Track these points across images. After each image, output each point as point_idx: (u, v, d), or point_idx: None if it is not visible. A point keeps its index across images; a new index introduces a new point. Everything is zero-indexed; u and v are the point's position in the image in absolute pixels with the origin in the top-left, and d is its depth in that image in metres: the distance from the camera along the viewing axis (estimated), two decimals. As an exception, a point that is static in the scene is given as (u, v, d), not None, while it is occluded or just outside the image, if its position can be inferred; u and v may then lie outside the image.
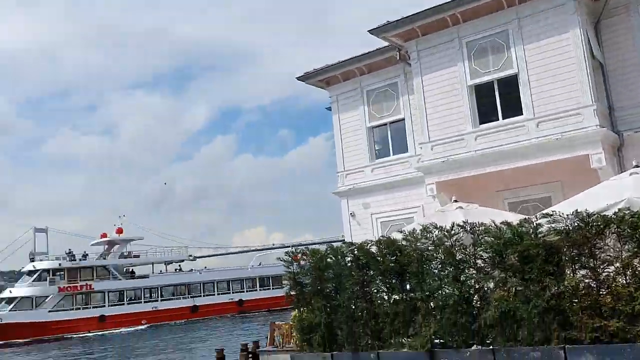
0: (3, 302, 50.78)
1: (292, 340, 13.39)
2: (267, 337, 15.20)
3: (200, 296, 58.93)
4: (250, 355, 19.96)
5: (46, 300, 50.67)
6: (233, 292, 60.95)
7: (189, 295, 58.51)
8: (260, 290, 62.30)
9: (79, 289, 52.67)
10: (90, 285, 53.23)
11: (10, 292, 52.05)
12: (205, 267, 70.46)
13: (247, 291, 61.84)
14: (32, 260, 53.73)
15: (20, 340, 46.33)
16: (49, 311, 50.56)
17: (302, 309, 12.11)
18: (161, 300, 56.71)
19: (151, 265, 62.05)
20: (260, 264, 67.85)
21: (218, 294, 59.99)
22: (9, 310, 49.55)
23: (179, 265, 64.33)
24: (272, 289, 61.80)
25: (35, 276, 51.92)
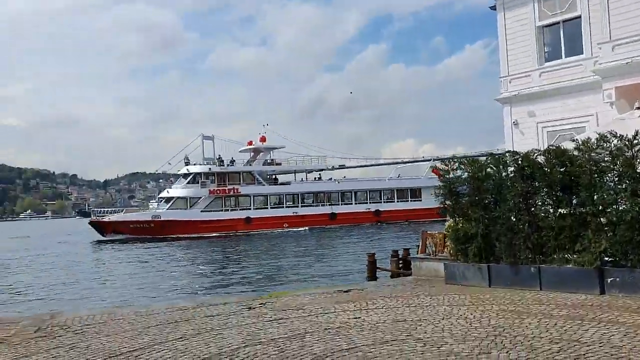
0: (162, 202, 57.26)
1: (445, 250, 13.13)
2: (419, 245, 15.04)
3: (338, 204, 60.97)
4: (400, 261, 20.09)
5: (198, 201, 55.90)
6: (370, 202, 62.08)
7: (328, 203, 60.69)
8: (397, 202, 62.93)
9: (227, 192, 57.19)
10: (237, 189, 57.49)
11: (168, 192, 58.28)
12: (345, 177, 71.14)
13: (384, 202, 62.74)
14: (187, 164, 58.58)
15: (174, 236, 51.88)
16: (201, 211, 55.81)
17: (457, 219, 11.68)
18: (301, 207, 59.85)
19: (293, 174, 65.26)
20: (398, 176, 68.07)
21: (356, 204, 61.61)
22: (167, 209, 55.72)
23: (319, 174, 66.47)
24: (410, 200, 62.66)
25: (189, 179, 57.21)
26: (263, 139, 62.56)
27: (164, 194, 59.19)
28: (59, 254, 40.31)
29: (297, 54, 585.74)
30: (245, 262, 31.01)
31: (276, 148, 63.91)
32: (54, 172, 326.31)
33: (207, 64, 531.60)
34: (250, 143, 62.49)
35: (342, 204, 61.26)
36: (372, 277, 19.99)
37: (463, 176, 11.81)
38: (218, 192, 56.93)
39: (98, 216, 57.66)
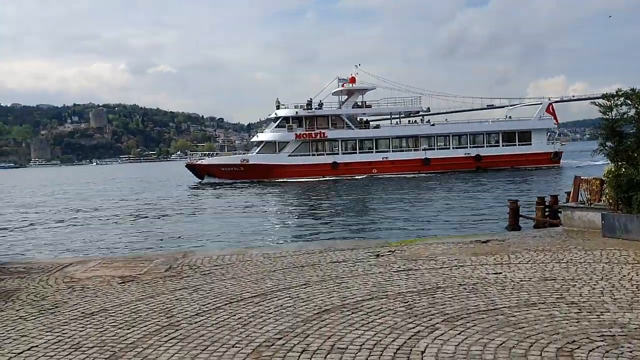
0: (254, 146, 57.76)
1: (602, 198, 11.48)
2: (570, 192, 13.40)
3: (433, 149, 57.08)
4: (547, 210, 18.38)
5: (286, 145, 55.35)
6: (470, 147, 57.08)
7: (422, 148, 56.87)
8: (503, 146, 57.11)
9: (313, 136, 55.60)
10: (324, 134, 55.57)
11: (258, 136, 58.76)
12: (447, 120, 66.86)
13: (487, 146, 57.21)
14: (278, 107, 57.70)
15: (264, 180, 52.73)
16: (289, 155, 55.19)
17: (620, 163, 10.01)
18: (392, 152, 56.61)
19: (389, 117, 62.20)
20: (508, 118, 61.65)
21: (454, 148, 57.15)
22: (256, 153, 56.14)
23: (421, 118, 62.26)
24: (519, 144, 56.92)
25: (277, 123, 56.67)
26: (353, 80, 59.19)
27: (254, 138, 59.59)
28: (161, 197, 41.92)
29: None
30: (352, 208, 30.10)
31: (367, 89, 60.27)
32: (202, 116, 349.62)
33: (344, 5, 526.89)
34: (343, 85, 59.77)
35: (437, 149, 57.22)
36: (514, 226, 18.50)
37: (630, 113, 10.04)
38: (304, 136, 55.60)
39: (193, 160, 59.21)
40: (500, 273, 8.07)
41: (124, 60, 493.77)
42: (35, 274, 9.57)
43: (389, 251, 10.30)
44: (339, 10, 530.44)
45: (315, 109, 56.87)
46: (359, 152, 56.28)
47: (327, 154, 55.80)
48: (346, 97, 58.73)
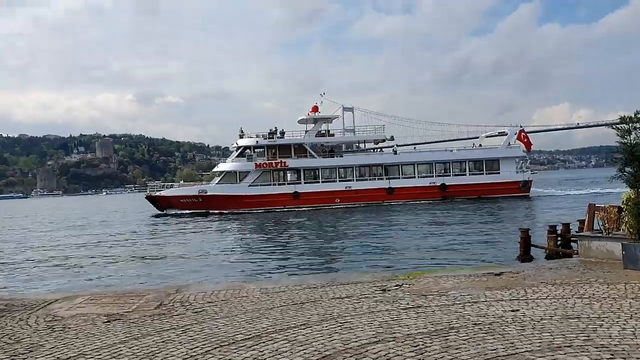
0: (215, 176, 55.81)
1: (622, 227, 10.79)
2: (585, 220, 12.74)
3: (397, 178, 54.82)
4: (559, 239, 17.62)
5: (247, 175, 53.46)
6: (436, 176, 54.82)
7: (385, 177, 54.70)
8: (470, 175, 55.04)
9: (274, 165, 53.54)
10: (285, 163, 53.73)
11: (218, 167, 56.72)
12: (415, 148, 65.35)
13: (453, 175, 55.11)
14: (241, 137, 55.98)
15: (217, 211, 50.70)
16: (249, 185, 53.31)
17: (640, 190, 9.37)
18: (356, 180, 54.56)
19: (363, 144, 60.04)
20: (478, 146, 59.55)
21: (419, 177, 54.99)
22: (216, 184, 54.27)
23: (394, 145, 60.51)
24: (486, 173, 54.78)
25: (238, 152, 55.05)
26: (315, 109, 57.10)
27: (215, 169, 57.69)
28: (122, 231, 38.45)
29: (442, 20, 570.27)
30: (336, 238, 27.81)
31: (331, 118, 58.22)
32: (208, 145, 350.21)
33: (350, 35, 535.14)
34: (309, 113, 57.65)
35: (402, 177, 54.82)
36: (526, 256, 17.72)
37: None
38: (265, 165, 53.66)
39: (151, 191, 57.53)
40: (518, 310, 7.38)
41: (131, 90, 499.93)
42: (17, 311, 8.95)
43: (397, 285, 9.64)
44: (345, 40, 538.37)
45: (278, 137, 55.38)
46: (322, 182, 54.39)
47: (288, 184, 53.98)
48: (312, 125, 57.12)
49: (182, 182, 64.79)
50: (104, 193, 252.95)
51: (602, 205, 12.32)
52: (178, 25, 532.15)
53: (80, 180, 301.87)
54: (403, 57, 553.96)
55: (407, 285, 9.55)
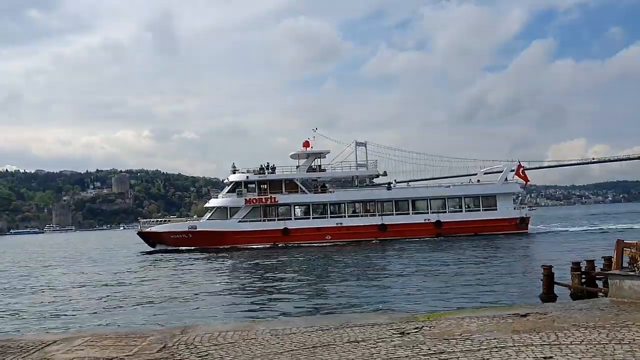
0: (207, 212, 54.96)
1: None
2: (612, 257, 12.04)
3: (391, 214, 53.23)
4: (583, 277, 16.91)
5: (237, 211, 52.55)
6: (431, 212, 53.15)
7: (378, 213, 53.24)
8: (466, 211, 53.20)
9: (264, 201, 52.64)
10: (274, 199, 52.75)
11: (210, 202, 55.76)
12: (408, 184, 64.09)
13: (449, 212, 53.37)
14: (233, 172, 55.48)
15: (209, 247, 49.61)
16: (239, 221, 52.30)
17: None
18: (348, 217, 53.07)
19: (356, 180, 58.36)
20: (476, 181, 57.86)
21: (414, 213, 53.21)
22: (207, 220, 53.49)
23: (393, 181, 59.97)
24: (483, 210, 53.07)
25: (229, 188, 54.30)
26: (307, 144, 56.40)
27: (207, 204, 56.76)
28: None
29: (456, 56, 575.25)
30: (341, 276, 26.74)
31: (322, 153, 57.00)
32: (223, 180, 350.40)
33: (364, 72, 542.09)
34: (301, 149, 57.02)
35: (396, 214, 53.20)
36: (549, 295, 16.91)
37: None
38: (255, 201, 52.72)
39: (143, 227, 56.18)
40: (551, 358, 6.70)
41: (148, 127, 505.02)
42: (11, 354, 8.39)
43: (416, 328, 8.94)
44: (359, 77, 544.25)
45: (269, 173, 54.64)
46: (313, 218, 53.08)
47: (278, 220, 52.79)
48: (304, 160, 56.30)
49: (185, 216, 62.94)
50: (121, 228, 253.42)
51: (633, 242, 11.65)
52: (195, 64, 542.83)
53: (95, 216, 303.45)
54: (417, 93, 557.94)
55: (428, 328, 8.89)
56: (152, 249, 52.11)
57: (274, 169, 55.49)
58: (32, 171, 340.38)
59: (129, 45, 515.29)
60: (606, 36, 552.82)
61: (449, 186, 56.81)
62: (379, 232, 51.49)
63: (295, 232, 51.60)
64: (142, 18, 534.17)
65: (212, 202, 54.70)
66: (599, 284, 18.80)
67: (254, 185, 53.65)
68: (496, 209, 52.91)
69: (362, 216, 53.47)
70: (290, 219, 52.73)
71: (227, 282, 25.70)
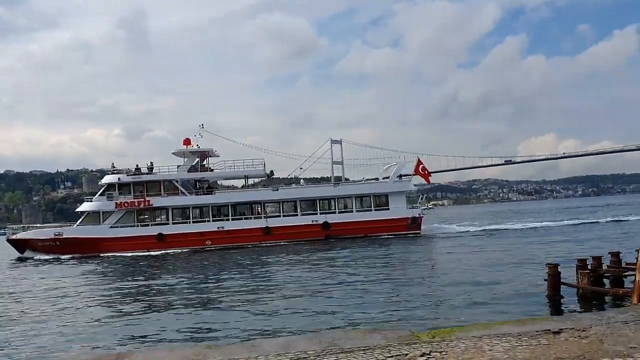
0: (79, 217, 51.14)
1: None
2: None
3: (279, 216, 50.27)
4: (591, 275, 15.33)
5: (110, 216, 49.10)
6: (320, 213, 49.90)
7: (263, 216, 49.81)
8: (356, 211, 50.06)
9: (136, 204, 48.85)
10: (148, 202, 48.98)
11: (81, 206, 51.78)
12: (302, 181, 60.94)
13: (339, 212, 50.05)
14: (110, 173, 52.02)
15: (79, 255, 46.37)
16: (110, 227, 48.79)
17: None
18: (232, 220, 49.48)
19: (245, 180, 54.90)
20: (384, 179, 53.49)
21: (301, 215, 49.95)
22: (77, 225, 49.76)
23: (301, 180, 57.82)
24: (375, 210, 50.05)
25: (101, 190, 50.69)
26: (187, 142, 52.50)
27: (78, 208, 52.50)
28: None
29: (429, 53, 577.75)
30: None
31: (206, 151, 52.80)
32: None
33: (338, 69, 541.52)
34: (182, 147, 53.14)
35: (283, 216, 50.01)
36: (555, 296, 14.95)
37: None
38: (126, 204, 48.68)
39: (14, 233, 52.11)
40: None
41: (119, 125, 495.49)
42: None
43: (423, 355, 6.67)
44: (335, 75, 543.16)
45: (146, 173, 50.50)
46: (193, 222, 49.16)
47: (152, 225, 49.04)
48: (186, 160, 52.52)
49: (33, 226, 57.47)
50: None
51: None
52: (168, 62, 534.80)
53: (66, 216, 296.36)
54: (393, 91, 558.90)
55: (439, 355, 6.61)
56: (21, 256, 48.46)
57: (151, 169, 51.40)
58: (1, 172, 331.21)
59: (99, 43, 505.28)
60: (576, 33, 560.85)
61: (338, 185, 53.72)
62: (264, 235, 48.13)
63: (171, 238, 47.78)
64: (114, 15, 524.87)
65: (84, 206, 50.54)
66: (607, 282, 17.23)
67: (129, 188, 49.49)
68: (388, 209, 49.89)
69: (245, 219, 49.80)
70: (168, 224, 49.00)
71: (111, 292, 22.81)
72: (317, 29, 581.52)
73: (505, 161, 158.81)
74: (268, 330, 13.37)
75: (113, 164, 52.80)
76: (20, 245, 49.38)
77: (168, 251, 45.86)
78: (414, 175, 51.96)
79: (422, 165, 52.10)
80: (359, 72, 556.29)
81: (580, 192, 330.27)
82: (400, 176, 51.50)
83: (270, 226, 48.31)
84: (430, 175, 54.96)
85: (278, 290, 20.27)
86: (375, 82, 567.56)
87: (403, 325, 12.73)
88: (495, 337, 7.44)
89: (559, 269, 15.05)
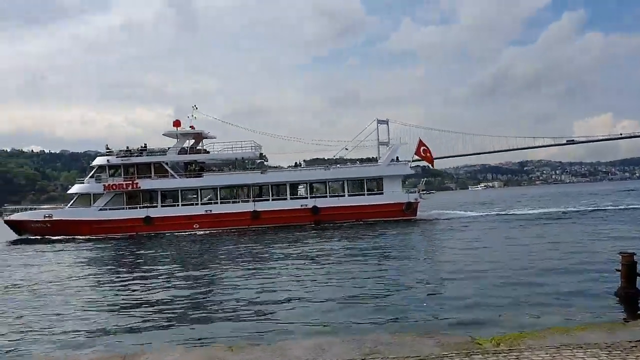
0: (71, 199, 50.77)
1: None
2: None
3: (267, 200, 48.36)
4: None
5: (99, 198, 48.74)
6: (310, 197, 48.16)
7: (251, 199, 48.27)
8: (348, 196, 47.84)
9: (124, 187, 48.39)
10: (136, 184, 48.30)
11: (72, 188, 51.55)
12: (298, 165, 57.30)
13: (330, 196, 48.10)
14: (102, 155, 51.25)
15: (70, 237, 46.13)
16: (99, 210, 48.45)
17: None
18: (220, 203, 48.46)
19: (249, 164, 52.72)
20: (392, 161, 49.56)
21: (291, 199, 48.16)
22: (68, 207, 49.55)
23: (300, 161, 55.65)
24: (367, 194, 47.70)
25: (92, 172, 50.12)
26: (177, 124, 50.84)
27: (70, 190, 52.21)
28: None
29: (481, 30, 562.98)
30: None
31: (198, 133, 51.45)
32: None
33: (387, 47, 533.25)
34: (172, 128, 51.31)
35: (272, 200, 48.24)
36: (630, 291, 13.14)
37: None
38: (113, 187, 48.25)
39: (9, 214, 52.30)
40: None
41: (169, 106, 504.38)
42: None
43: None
44: (382, 53, 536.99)
45: (136, 155, 49.69)
46: (182, 205, 48.34)
47: (140, 208, 48.31)
48: (176, 141, 51.10)
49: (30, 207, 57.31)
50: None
51: None
52: (214, 41, 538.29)
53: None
54: (440, 68, 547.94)
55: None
56: (19, 238, 49.06)
57: (143, 150, 50.56)
58: (57, 151, 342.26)
59: (149, 23, 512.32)
60: (636, 8, 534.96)
61: (330, 168, 50.74)
62: (252, 220, 46.81)
63: (159, 221, 47.25)
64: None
65: (75, 188, 50.60)
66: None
67: (119, 170, 49.11)
68: (382, 193, 47.45)
69: (233, 202, 48.71)
70: (157, 207, 48.39)
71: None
72: (366, 6, 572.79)
73: (567, 141, 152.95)
74: (291, 324, 11.50)
75: (107, 145, 51.75)
76: (17, 226, 50.15)
77: (155, 233, 45.42)
78: (414, 158, 48.84)
79: (423, 147, 48.68)
80: (407, 49, 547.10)
81: (638, 175, 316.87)
82: (397, 159, 49.02)
83: (258, 210, 47.10)
84: (433, 157, 51.04)
85: (292, 279, 17.86)
86: (423, 60, 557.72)
87: (452, 326, 10.52)
88: (578, 348, 5.98)
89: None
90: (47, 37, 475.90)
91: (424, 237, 32.08)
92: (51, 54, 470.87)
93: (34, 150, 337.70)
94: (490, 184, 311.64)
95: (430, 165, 52.24)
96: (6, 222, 51.25)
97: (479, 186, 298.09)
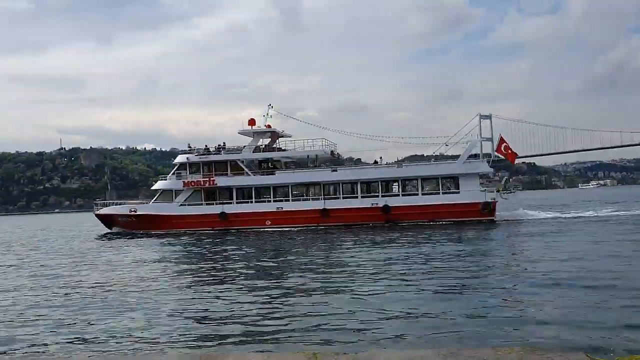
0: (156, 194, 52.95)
1: None
2: None
3: (338, 198, 47.47)
4: None
5: (180, 194, 50.28)
6: (382, 196, 46.28)
7: (321, 197, 47.69)
8: (422, 195, 45.80)
9: (202, 184, 49.57)
10: (213, 181, 49.39)
11: (156, 184, 53.18)
12: (382, 161, 53.49)
13: (402, 195, 46.26)
14: (183, 152, 52.47)
15: (152, 231, 48.28)
16: (179, 205, 49.94)
17: None
18: (292, 201, 48.37)
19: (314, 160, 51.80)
20: (468, 158, 47.09)
21: (362, 197, 46.94)
22: (152, 202, 51.57)
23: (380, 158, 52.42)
24: (443, 193, 45.54)
25: (174, 170, 51.62)
26: (252, 122, 51.31)
27: (154, 186, 53.94)
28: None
29: (595, 17, 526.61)
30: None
31: (273, 132, 51.71)
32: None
33: (491, 40, 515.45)
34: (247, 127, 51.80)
35: (343, 198, 47.30)
36: None
37: None
38: (193, 184, 49.76)
39: (98, 208, 55.22)
40: None
41: (272, 105, 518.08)
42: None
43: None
44: (485, 46, 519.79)
45: (214, 153, 50.92)
46: (255, 202, 49.15)
47: (216, 204, 49.46)
48: (251, 140, 51.52)
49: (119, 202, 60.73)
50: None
51: None
52: (315, 40, 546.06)
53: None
54: (548, 61, 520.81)
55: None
56: (108, 231, 52.11)
57: (221, 148, 52.04)
58: (168, 149, 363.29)
59: (255, 23, 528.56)
60: None
61: (402, 166, 49.26)
62: (321, 217, 46.72)
63: (233, 217, 48.55)
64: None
65: (158, 185, 52.92)
66: None
67: (198, 167, 50.93)
68: (458, 192, 45.32)
69: (303, 200, 48.95)
70: (232, 203, 49.62)
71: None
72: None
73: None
74: (379, 334, 10.64)
75: (189, 144, 54.02)
76: (106, 220, 53.42)
77: (233, 229, 47.02)
78: (496, 155, 47.60)
79: (504, 144, 46.55)
80: (513, 41, 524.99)
81: None
82: (475, 155, 47.56)
83: (327, 208, 47.04)
84: (516, 155, 49.04)
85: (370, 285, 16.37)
86: (530, 52, 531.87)
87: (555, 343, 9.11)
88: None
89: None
90: (158, 41, 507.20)
91: (506, 241, 29.11)
92: (162, 57, 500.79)
93: (147, 148, 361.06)
94: (602, 181, 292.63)
95: (511, 163, 50.67)
96: (97, 215, 54.94)
97: (590, 184, 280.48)
